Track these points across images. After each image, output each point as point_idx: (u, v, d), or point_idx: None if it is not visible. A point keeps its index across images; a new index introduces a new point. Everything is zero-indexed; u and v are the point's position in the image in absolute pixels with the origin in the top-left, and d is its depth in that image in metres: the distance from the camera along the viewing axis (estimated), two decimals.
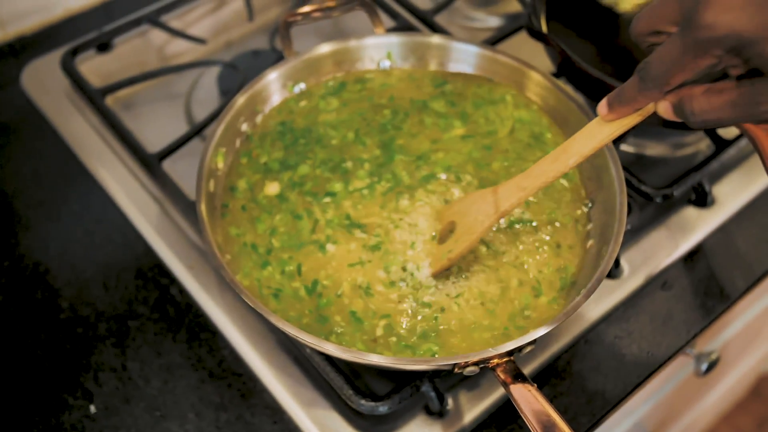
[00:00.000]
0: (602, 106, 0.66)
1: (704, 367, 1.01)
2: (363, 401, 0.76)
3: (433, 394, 0.78)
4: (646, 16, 0.61)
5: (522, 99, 0.91)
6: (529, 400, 0.67)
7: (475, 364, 0.70)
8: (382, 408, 0.76)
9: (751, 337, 1.39)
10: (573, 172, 0.86)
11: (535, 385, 0.68)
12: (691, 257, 0.93)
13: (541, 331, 0.70)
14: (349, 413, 0.80)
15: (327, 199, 0.83)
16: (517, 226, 0.82)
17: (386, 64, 0.94)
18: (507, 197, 0.75)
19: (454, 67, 0.93)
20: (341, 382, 0.78)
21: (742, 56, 0.55)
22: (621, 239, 0.77)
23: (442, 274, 0.79)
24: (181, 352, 0.84)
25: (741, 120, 0.59)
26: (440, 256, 0.78)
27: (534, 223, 0.82)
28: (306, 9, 0.92)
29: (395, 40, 0.93)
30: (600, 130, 0.68)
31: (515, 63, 0.89)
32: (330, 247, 0.80)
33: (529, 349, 0.72)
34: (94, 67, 1.09)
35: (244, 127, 0.89)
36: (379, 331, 0.76)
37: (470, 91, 0.91)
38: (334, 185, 0.84)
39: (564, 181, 0.85)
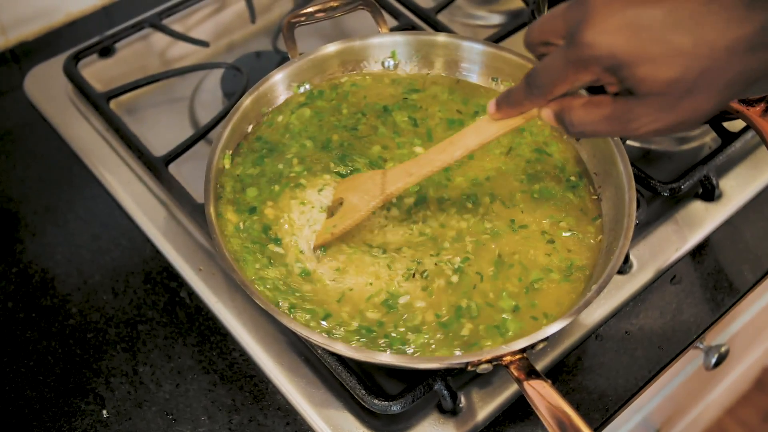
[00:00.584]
0: (492, 104, 0.70)
1: (714, 360, 1.02)
2: (376, 401, 0.76)
3: (445, 392, 0.78)
4: (537, 28, 0.65)
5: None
6: (543, 396, 0.67)
7: (489, 361, 0.70)
8: (395, 407, 0.76)
9: (757, 329, 1.39)
10: (578, 182, 0.86)
11: (550, 381, 0.68)
12: (700, 251, 0.93)
13: (555, 328, 0.70)
14: (362, 413, 0.79)
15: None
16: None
17: (390, 63, 0.94)
18: (394, 181, 0.78)
19: (460, 65, 0.93)
20: (354, 382, 0.77)
21: (617, 76, 0.59)
22: (631, 234, 0.77)
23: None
24: (192, 355, 0.84)
25: (615, 134, 0.64)
26: (324, 230, 0.80)
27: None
28: (309, 9, 0.91)
29: (400, 39, 0.92)
30: (487, 128, 0.71)
31: (522, 60, 0.89)
32: None
33: (542, 345, 0.72)
34: (96, 72, 1.09)
35: (250, 129, 0.89)
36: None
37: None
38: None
39: (571, 195, 0.85)
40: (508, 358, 0.69)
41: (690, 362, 1.14)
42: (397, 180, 0.78)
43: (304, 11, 0.92)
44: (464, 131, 0.74)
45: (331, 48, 0.92)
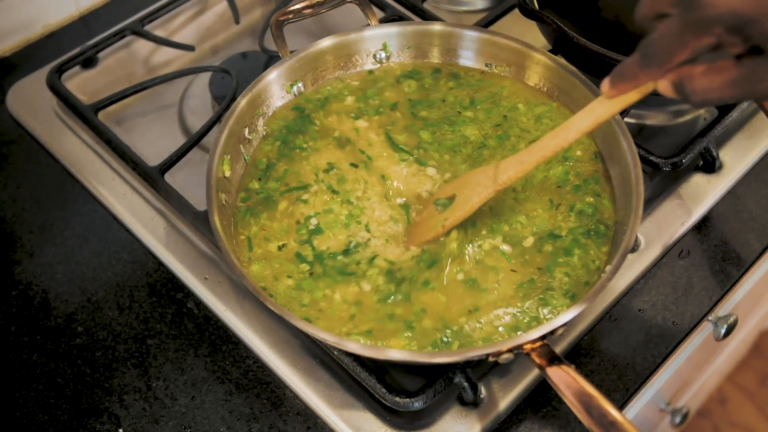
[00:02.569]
0: (605, 83, 0.67)
1: (723, 331, 1.01)
2: (398, 398, 0.75)
3: (466, 384, 0.77)
4: (647, 0, 0.61)
5: None
6: (567, 381, 0.66)
7: (510, 351, 0.69)
8: (417, 403, 0.75)
9: (758, 296, 1.40)
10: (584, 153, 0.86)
11: (573, 365, 0.67)
12: (705, 224, 0.92)
13: (572, 313, 0.70)
14: (383, 412, 0.79)
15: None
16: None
17: (382, 55, 0.93)
18: (506, 170, 0.77)
19: (454, 53, 0.92)
20: (374, 381, 0.76)
21: (741, 34, 0.55)
22: (641, 212, 0.76)
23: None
24: (205, 365, 0.83)
25: (742, 98, 0.60)
26: (435, 225, 0.80)
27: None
28: (297, 6, 0.90)
29: (394, 30, 0.91)
30: (600, 107, 0.70)
31: (517, 45, 0.88)
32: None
33: (561, 331, 0.71)
34: (80, 84, 1.07)
35: (247, 132, 0.88)
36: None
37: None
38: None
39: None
40: (529, 345, 0.69)
41: (699, 334, 1.14)
42: (509, 169, 0.77)
43: (292, 8, 0.90)
44: (576, 115, 0.72)
45: (325, 43, 0.90)
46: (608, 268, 0.73)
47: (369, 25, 0.93)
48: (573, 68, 0.88)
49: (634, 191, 0.78)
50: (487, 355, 0.69)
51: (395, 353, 0.70)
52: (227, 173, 0.84)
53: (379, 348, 0.72)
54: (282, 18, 0.90)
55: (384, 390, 0.76)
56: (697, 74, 0.60)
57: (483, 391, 0.80)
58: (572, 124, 0.72)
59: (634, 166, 0.80)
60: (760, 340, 2.10)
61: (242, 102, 0.86)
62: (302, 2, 0.90)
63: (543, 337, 0.69)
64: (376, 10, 1.09)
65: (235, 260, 0.75)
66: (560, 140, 0.73)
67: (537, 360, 0.68)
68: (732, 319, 1.02)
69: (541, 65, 0.89)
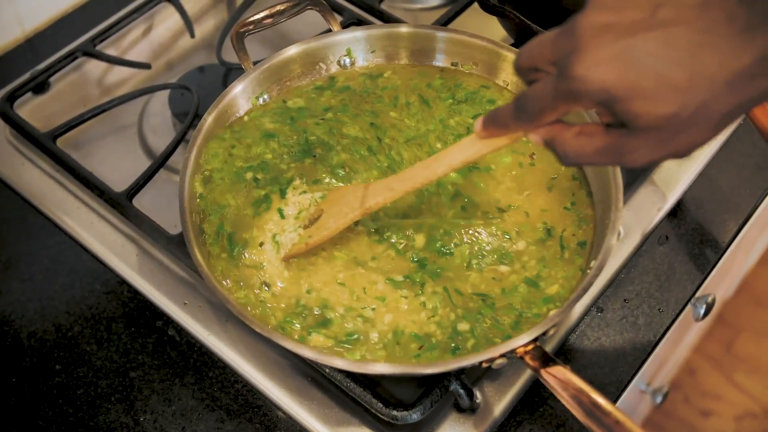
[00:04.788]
0: (478, 123, 0.67)
1: (702, 311, 1.02)
2: (395, 412, 0.74)
3: (462, 391, 0.76)
4: (526, 54, 0.61)
5: None
6: (562, 381, 0.66)
7: (503, 356, 0.68)
8: (415, 415, 0.74)
9: (726, 270, 1.42)
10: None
11: (568, 365, 0.67)
12: (680, 208, 0.93)
13: (562, 313, 0.69)
14: (380, 426, 0.77)
15: None
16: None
17: (347, 61, 0.91)
18: (374, 195, 0.76)
19: (420, 54, 0.91)
20: (369, 396, 0.75)
21: (610, 110, 0.56)
22: (621, 205, 0.76)
23: None
24: (193, 394, 0.81)
25: (610, 164, 0.65)
26: (300, 241, 0.79)
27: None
28: (257, 16, 0.88)
29: (360, 34, 0.90)
30: (472, 146, 0.69)
31: (489, 45, 0.87)
32: None
33: (553, 331, 0.71)
34: (33, 111, 1.03)
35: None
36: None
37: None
38: None
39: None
40: (522, 349, 0.68)
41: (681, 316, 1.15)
42: (378, 194, 0.76)
43: (252, 19, 0.88)
44: (449, 149, 0.72)
45: (290, 52, 0.88)
46: (594, 262, 0.73)
47: (330, 30, 0.91)
48: None
49: (612, 183, 0.78)
50: (481, 362, 0.68)
51: (374, 367, 0.69)
52: (201, 191, 0.82)
53: (367, 363, 0.71)
54: (242, 30, 0.88)
55: (380, 404, 0.75)
56: (568, 137, 0.61)
57: (479, 396, 0.79)
58: (444, 158, 0.72)
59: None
60: (723, 309, 2.14)
61: (209, 119, 0.84)
62: (262, 12, 0.88)
63: (535, 340, 0.69)
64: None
65: (216, 285, 0.73)
66: (430, 173, 0.73)
67: (531, 363, 0.68)
68: (710, 299, 1.03)
69: (508, 62, 0.89)
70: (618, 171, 0.78)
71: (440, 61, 0.91)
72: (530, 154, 0.84)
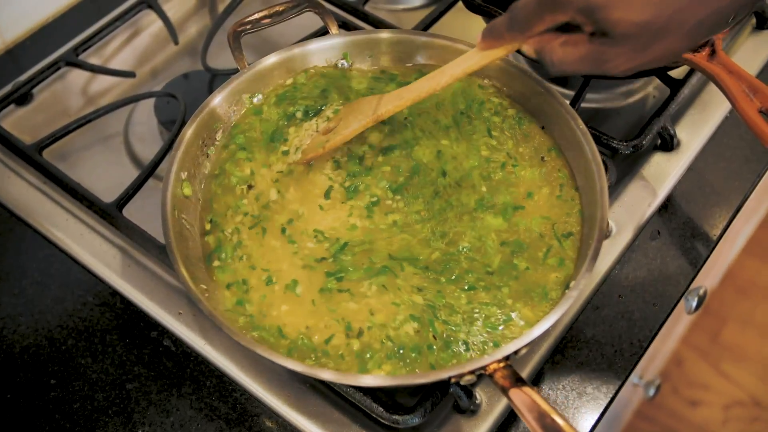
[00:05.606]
0: (479, 35, 0.74)
1: (694, 304, 1.03)
2: (396, 416, 0.74)
3: (461, 392, 0.76)
4: None
5: None
6: (528, 403, 0.64)
7: (472, 372, 0.67)
8: (416, 419, 0.74)
9: (715, 260, 1.43)
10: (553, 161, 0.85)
11: (535, 388, 0.67)
12: (671, 202, 0.93)
13: (537, 332, 0.69)
14: (381, 430, 0.77)
15: None
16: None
17: (344, 64, 0.91)
18: (386, 104, 0.80)
19: (407, 60, 0.91)
20: (369, 401, 0.75)
21: (590, 19, 0.62)
22: (607, 202, 0.77)
23: None
24: (191, 404, 0.80)
25: (592, 73, 0.67)
26: (316, 145, 0.83)
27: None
28: (255, 16, 0.87)
29: (356, 38, 0.90)
30: (472, 57, 0.76)
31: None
32: None
33: (524, 351, 0.70)
34: (17, 123, 1.02)
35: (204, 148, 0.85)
36: None
37: None
38: None
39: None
40: (493, 366, 0.67)
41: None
42: (389, 103, 0.80)
43: (250, 19, 0.87)
44: (452, 62, 0.77)
45: (272, 59, 0.88)
46: (573, 283, 0.73)
47: (328, 33, 0.91)
48: (528, 69, 0.87)
49: (597, 181, 0.78)
50: (450, 377, 0.68)
51: (363, 379, 0.69)
52: (187, 192, 0.82)
53: (349, 375, 0.71)
54: (240, 29, 0.87)
55: (381, 409, 0.75)
56: (555, 45, 0.67)
57: (478, 396, 0.79)
58: (446, 70, 0.78)
59: (592, 155, 0.80)
60: (709, 300, 2.15)
61: (188, 132, 0.83)
62: (260, 12, 0.88)
63: (507, 358, 0.68)
64: (314, 16, 1.06)
65: (200, 296, 0.72)
66: (434, 83, 0.78)
67: (500, 381, 0.66)
68: (702, 291, 1.04)
69: (498, 70, 0.89)
70: (601, 168, 0.79)
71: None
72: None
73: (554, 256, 0.78)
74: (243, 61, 0.87)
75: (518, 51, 0.74)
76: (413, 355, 0.71)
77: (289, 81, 0.89)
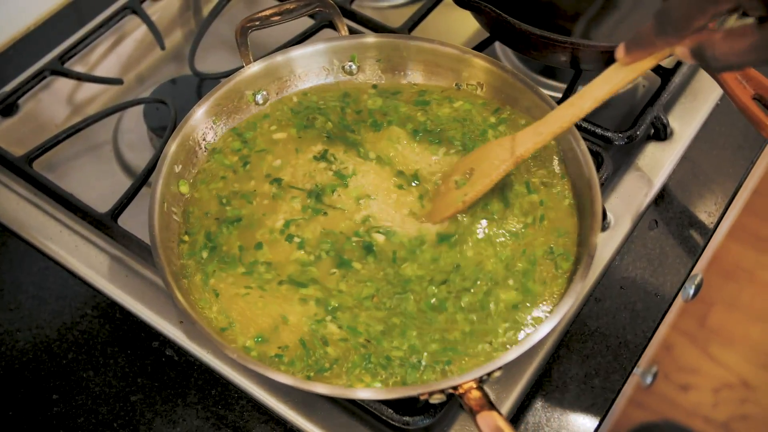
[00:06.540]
0: (620, 50, 0.68)
1: (692, 292, 1.04)
2: (407, 417, 0.74)
3: None
4: None
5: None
6: (494, 429, 0.63)
7: (441, 391, 0.67)
8: (427, 420, 0.74)
9: (709, 247, 1.43)
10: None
11: (503, 414, 0.67)
12: (667, 191, 0.94)
13: (512, 355, 0.68)
14: None
15: None
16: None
17: (353, 66, 0.91)
18: (523, 143, 0.76)
19: (392, 66, 0.91)
20: (378, 403, 0.75)
21: (763, 1, 0.55)
22: (600, 196, 0.77)
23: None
24: (197, 413, 0.79)
25: (763, 62, 0.60)
26: (455, 200, 0.79)
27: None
28: (265, 13, 0.87)
29: (373, 41, 0.89)
30: (616, 75, 0.69)
31: (457, 52, 0.87)
32: None
33: (498, 374, 0.69)
34: (3, 134, 1.00)
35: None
36: None
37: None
38: None
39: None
40: (463, 387, 0.66)
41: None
42: (527, 141, 0.76)
43: (259, 15, 0.87)
44: (592, 83, 0.71)
45: (283, 56, 0.87)
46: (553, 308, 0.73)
47: (339, 35, 0.90)
48: (514, 70, 0.87)
49: (590, 183, 0.78)
50: (419, 394, 0.67)
51: (356, 392, 0.69)
52: (184, 192, 0.82)
53: (337, 387, 0.70)
54: (248, 25, 0.86)
55: (390, 411, 0.74)
56: (717, 40, 0.60)
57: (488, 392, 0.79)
58: (588, 93, 0.72)
59: (578, 145, 0.80)
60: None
61: (173, 146, 0.83)
62: (271, 9, 0.87)
63: (480, 380, 0.67)
64: (305, 18, 1.06)
65: (194, 314, 0.72)
66: (576, 110, 0.73)
67: (469, 403, 0.65)
68: (698, 279, 1.04)
69: (484, 71, 0.88)
70: (589, 158, 0.79)
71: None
72: None
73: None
74: (248, 57, 0.86)
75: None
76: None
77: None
